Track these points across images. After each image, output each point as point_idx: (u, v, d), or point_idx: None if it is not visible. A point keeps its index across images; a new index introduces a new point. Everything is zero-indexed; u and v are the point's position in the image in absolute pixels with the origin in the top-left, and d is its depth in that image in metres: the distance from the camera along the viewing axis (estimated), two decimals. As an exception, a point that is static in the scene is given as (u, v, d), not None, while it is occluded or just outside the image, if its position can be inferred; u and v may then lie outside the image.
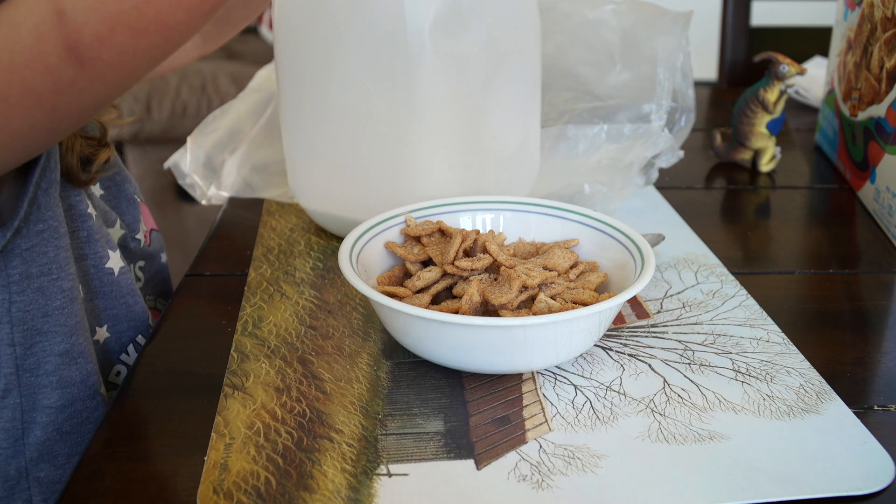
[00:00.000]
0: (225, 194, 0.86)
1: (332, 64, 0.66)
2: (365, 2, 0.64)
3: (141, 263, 0.74)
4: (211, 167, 0.88)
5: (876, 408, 0.53)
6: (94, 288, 0.63)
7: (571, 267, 0.61)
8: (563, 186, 0.77)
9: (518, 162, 0.74)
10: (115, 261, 0.64)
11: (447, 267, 0.59)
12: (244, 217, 0.81)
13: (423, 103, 0.67)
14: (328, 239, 0.76)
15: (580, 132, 0.82)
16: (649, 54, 0.83)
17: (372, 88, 0.66)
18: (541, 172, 0.79)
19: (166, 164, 0.89)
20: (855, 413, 0.52)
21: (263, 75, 1.00)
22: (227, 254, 0.75)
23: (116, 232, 0.69)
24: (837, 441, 0.49)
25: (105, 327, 0.64)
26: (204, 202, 0.88)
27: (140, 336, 0.67)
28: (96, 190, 0.69)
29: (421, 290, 0.59)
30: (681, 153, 0.83)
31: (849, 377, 0.56)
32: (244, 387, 0.54)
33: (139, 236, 0.73)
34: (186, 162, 0.88)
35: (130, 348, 0.66)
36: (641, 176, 0.81)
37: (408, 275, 0.61)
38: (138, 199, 0.74)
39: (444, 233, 0.63)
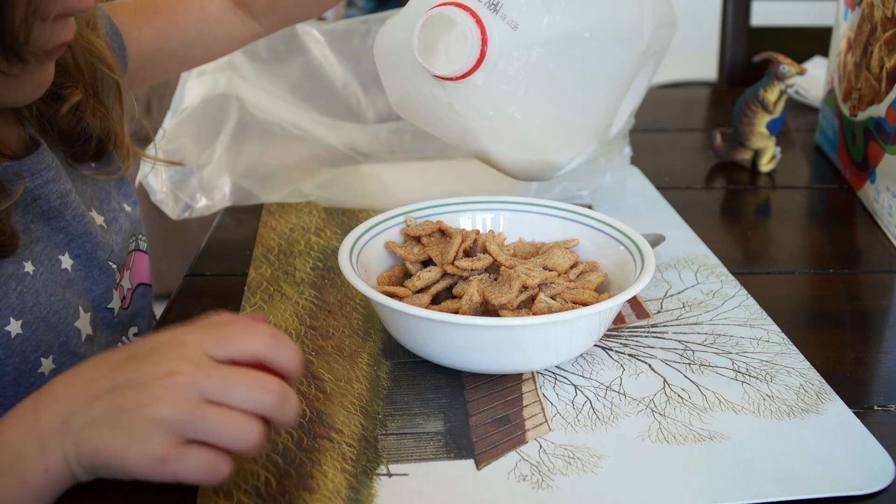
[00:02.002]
0: (224, 205, 0.82)
1: None
2: None
3: (134, 330, 0.66)
4: (185, 180, 0.82)
5: (876, 408, 0.53)
6: None
7: (571, 267, 0.61)
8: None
9: None
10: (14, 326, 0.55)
11: (447, 267, 0.59)
12: (244, 217, 0.81)
13: None
14: (328, 239, 0.76)
15: None
16: None
17: None
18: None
19: (138, 180, 0.81)
20: (855, 413, 0.52)
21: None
22: (227, 254, 0.75)
23: (83, 322, 0.59)
24: (837, 441, 0.49)
25: None
26: (174, 217, 0.81)
27: None
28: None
29: (421, 290, 0.59)
30: (632, 120, 0.85)
31: (849, 377, 0.56)
32: (244, 387, 0.54)
33: (112, 305, 0.63)
34: (159, 178, 0.81)
35: None
36: (627, 143, 0.84)
37: (408, 275, 0.61)
38: (113, 266, 0.63)
39: (444, 233, 0.63)
